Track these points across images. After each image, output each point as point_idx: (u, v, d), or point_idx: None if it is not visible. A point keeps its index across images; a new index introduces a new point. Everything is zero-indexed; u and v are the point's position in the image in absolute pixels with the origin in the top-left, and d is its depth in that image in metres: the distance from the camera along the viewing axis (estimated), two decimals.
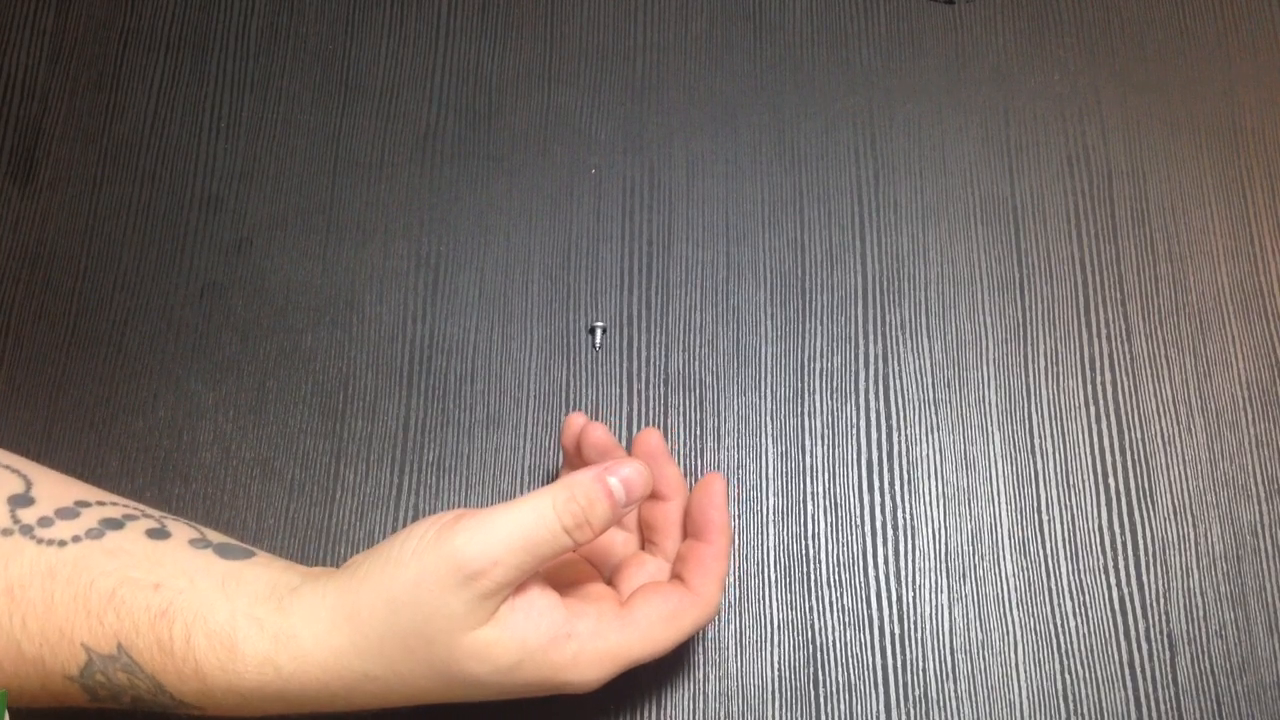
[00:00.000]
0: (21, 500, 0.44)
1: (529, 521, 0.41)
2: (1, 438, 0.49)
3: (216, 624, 0.41)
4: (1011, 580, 0.54)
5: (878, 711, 0.51)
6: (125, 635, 0.41)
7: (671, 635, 0.45)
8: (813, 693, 0.52)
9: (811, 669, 0.52)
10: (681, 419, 0.57)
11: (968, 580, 0.54)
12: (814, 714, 0.51)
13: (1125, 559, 0.54)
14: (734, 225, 0.61)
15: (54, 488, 0.45)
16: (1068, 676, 0.52)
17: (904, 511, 0.55)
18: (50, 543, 0.43)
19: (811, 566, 0.54)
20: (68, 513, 0.44)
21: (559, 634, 0.42)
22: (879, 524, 0.55)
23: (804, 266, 0.60)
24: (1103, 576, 0.54)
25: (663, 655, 0.45)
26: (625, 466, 0.44)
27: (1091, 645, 0.53)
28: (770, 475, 0.56)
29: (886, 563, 0.54)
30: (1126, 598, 0.53)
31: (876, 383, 0.57)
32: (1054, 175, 0.62)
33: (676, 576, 0.48)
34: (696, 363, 0.58)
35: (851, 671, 0.52)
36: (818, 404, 0.57)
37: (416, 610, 0.40)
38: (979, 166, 0.62)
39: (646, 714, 0.51)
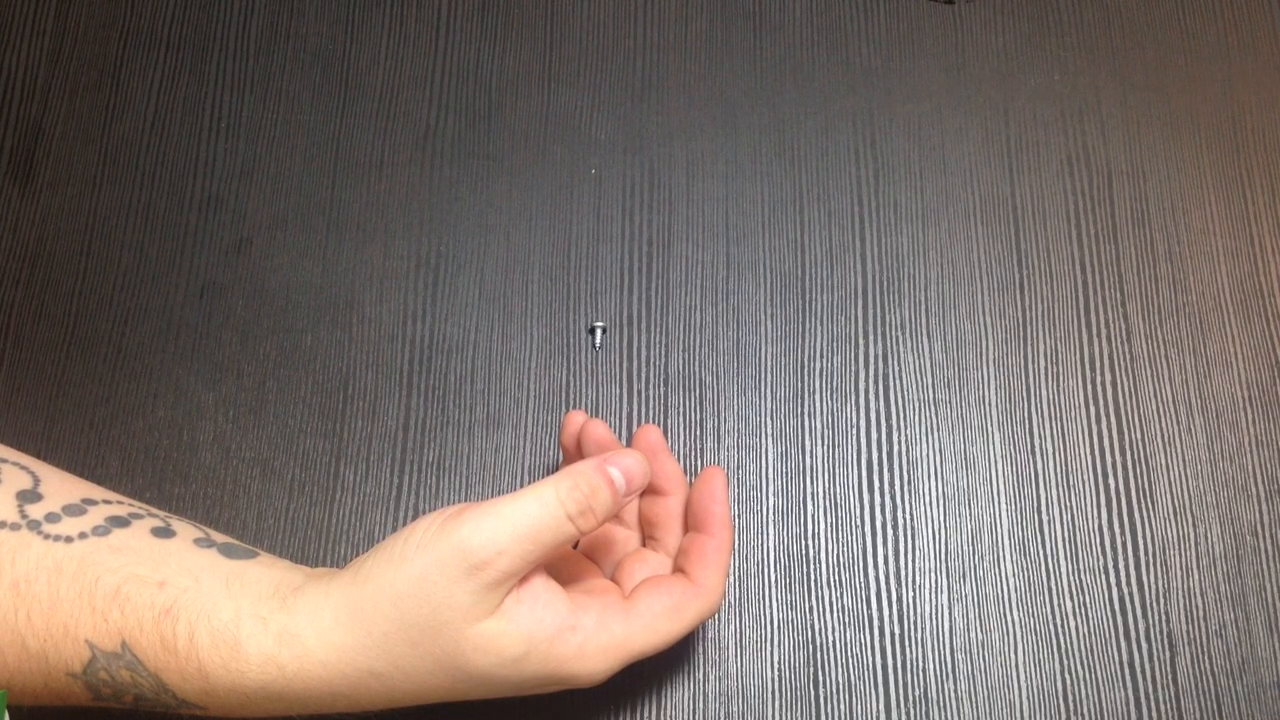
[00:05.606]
0: (29, 496, 0.44)
1: (533, 510, 0.41)
2: (2, 438, 0.49)
3: (220, 622, 0.41)
4: (1011, 580, 0.54)
5: (878, 711, 0.51)
6: (129, 632, 0.41)
7: (675, 627, 0.45)
8: (813, 693, 0.52)
9: (811, 669, 0.52)
10: (681, 419, 0.57)
11: (968, 580, 0.54)
12: (814, 714, 0.51)
13: (1125, 559, 0.54)
14: (734, 225, 0.61)
15: (61, 485, 0.45)
16: (1068, 676, 0.52)
17: (904, 511, 0.55)
18: (57, 539, 0.43)
19: (811, 566, 0.54)
20: (74, 509, 0.44)
21: (564, 626, 0.42)
22: (879, 524, 0.55)
23: (804, 266, 0.60)
24: (1103, 576, 0.54)
25: (667, 648, 0.45)
26: (625, 457, 0.44)
27: (1091, 645, 0.53)
28: (770, 475, 0.56)
29: (886, 563, 0.54)
30: (1126, 598, 0.53)
31: (876, 383, 0.57)
32: (1054, 175, 0.62)
33: (679, 570, 0.48)
34: (696, 363, 0.58)
35: (851, 671, 0.52)
36: (818, 404, 0.57)
37: (422, 603, 0.40)
38: (979, 166, 0.62)
39: (647, 714, 0.51)
